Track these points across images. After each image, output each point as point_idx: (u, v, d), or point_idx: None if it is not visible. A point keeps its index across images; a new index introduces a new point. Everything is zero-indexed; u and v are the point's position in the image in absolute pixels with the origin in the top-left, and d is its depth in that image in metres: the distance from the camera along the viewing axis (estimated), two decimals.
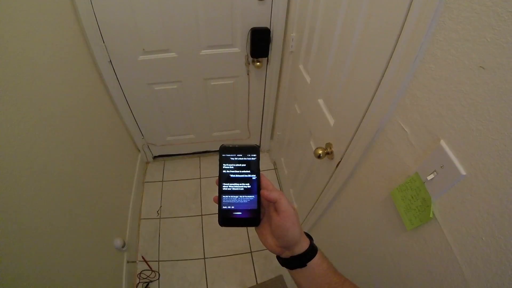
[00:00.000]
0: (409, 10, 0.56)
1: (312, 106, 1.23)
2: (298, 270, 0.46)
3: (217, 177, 0.47)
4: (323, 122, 1.11)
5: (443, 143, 0.51)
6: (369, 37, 0.75)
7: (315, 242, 0.48)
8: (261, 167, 0.46)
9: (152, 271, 1.73)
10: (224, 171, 0.46)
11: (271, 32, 1.55)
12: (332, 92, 1.04)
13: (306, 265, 0.45)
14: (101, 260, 1.38)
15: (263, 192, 0.45)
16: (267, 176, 0.47)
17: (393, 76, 0.64)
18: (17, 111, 0.90)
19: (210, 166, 2.33)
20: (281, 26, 1.53)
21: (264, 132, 2.25)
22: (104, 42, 1.47)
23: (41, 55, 1.08)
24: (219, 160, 0.46)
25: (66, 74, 1.25)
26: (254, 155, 0.46)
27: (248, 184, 0.46)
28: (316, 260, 0.45)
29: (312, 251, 0.46)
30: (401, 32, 0.59)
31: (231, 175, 0.46)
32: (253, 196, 0.46)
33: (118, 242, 1.52)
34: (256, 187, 0.46)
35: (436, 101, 0.52)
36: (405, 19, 0.58)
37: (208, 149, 2.35)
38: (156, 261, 1.78)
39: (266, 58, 1.69)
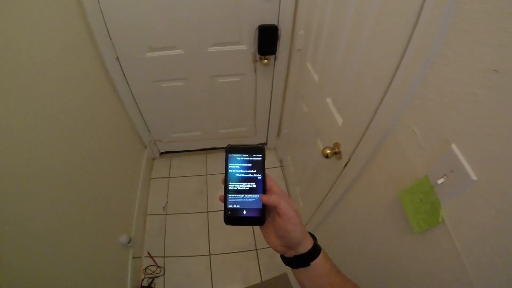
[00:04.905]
0: (422, 9, 0.55)
1: (320, 105, 1.21)
2: (301, 269, 0.46)
3: (223, 176, 0.47)
4: (331, 121, 1.10)
5: (454, 147, 0.50)
6: (379, 36, 0.74)
7: (320, 241, 0.49)
8: (267, 164, 0.47)
9: (158, 266, 1.75)
10: (230, 170, 0.47)
11: (278, 30, 1.54)
12: (340, 91, 1.03)
13: (309, 265, 0.45)
14: (107, 256, 1.40)
15: (262, 197, 0.45)
16: (273, 173, 0.48)
17: (404, 77, 0.62)
18: (20, 109, 0.90)
19: (217, 163, 2.34)
20: (289, 23, 1.52)
21: (270, 129, 2.25)
22: (111, 39, 1.48)
23: (45, 52, 1.08)
24: (225, 159, 0.47)
25: (72, 72, 1.26)
26: (260, 155, 0.47)
27: (254, 183, 0.46)
28: (319, 260, 0.46)
29: (315, 251, 0.46)
30: (413, 31, 0.58)
31: (237, 175, 0.47)
32: (258, 196, 0.46)
33: (124, 238, 1.54)
34: (261, 187, 0.46)
35: (448, 104, 0.51)
36: (418, 18, 0.56)
37: (214, 146, 2.36)
38: (161, 257, 1.80)
39: (274, 55, 1.68)
